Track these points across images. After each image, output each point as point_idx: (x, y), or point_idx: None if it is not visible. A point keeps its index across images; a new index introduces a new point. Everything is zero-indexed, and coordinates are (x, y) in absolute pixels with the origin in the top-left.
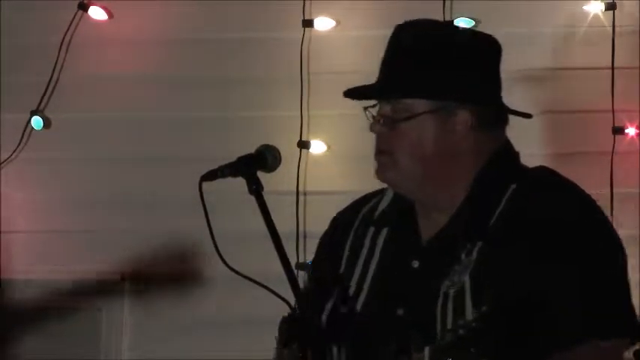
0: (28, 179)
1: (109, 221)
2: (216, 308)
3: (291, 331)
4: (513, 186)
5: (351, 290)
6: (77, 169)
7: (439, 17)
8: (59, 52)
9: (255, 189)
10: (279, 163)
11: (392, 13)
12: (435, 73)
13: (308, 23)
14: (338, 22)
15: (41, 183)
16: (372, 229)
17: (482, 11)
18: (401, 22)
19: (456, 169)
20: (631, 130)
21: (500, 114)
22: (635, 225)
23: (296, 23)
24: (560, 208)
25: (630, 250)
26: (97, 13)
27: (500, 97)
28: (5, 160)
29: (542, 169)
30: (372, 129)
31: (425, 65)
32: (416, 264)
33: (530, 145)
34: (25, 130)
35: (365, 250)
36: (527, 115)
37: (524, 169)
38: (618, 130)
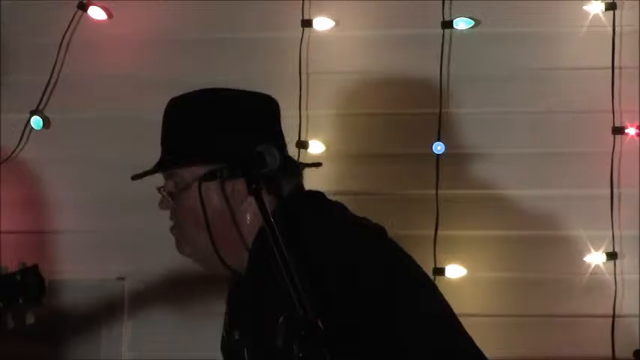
0: (28, 179)
1: (109, 221)
2: (217, 308)
3: (292, 331)
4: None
5: None
6: (77, 169)
7: (439, 17)
8: (59, 52)
9: (255, 189)
10: (278, 163)
11: (391, 14)
12: (198, 140)
13: (307, 23)
14: (337, 23)
15: (41, 183)
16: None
17: (482, 11)
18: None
19: (239, 232)
20: (631, 130)
21: (281, 168)
22: (636, 225)
23: (295, 23)
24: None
25: (630, 250)
26: (96, 13)
27: (277, 151)
28: (5, 160)
29: (315, 218)
30: (160, 206)
31: (189, 135)
32: (237, 335)
33: (530, 145)
34: (24, 130)
35: (223, 332)
36: (316, 165)
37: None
38: (618, 130)
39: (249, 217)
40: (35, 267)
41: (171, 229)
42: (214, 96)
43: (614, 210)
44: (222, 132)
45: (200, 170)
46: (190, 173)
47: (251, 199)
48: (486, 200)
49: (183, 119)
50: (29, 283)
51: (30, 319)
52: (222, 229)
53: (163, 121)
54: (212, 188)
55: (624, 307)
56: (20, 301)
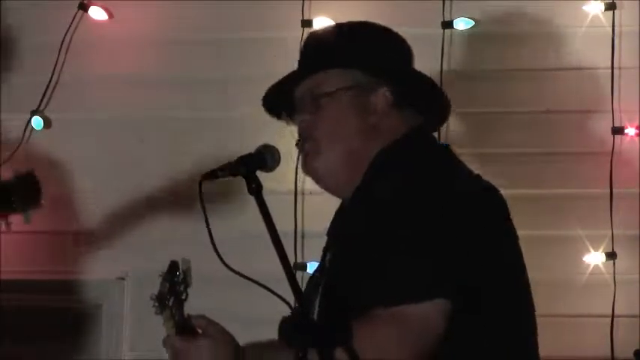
0: None
1: (109, 221)
2: (216, 308)
3: (293, 331)
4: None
5: None
6: (77, 169)
7: (439, 17)
8: (59, 52)
9: (255, 188)
10: (279, 163)
11: (391, 14)
12: (349, 46)
13: (307, 23)
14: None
15: (41, 183)
16: None
17: (482, 11)
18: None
19: (373, 150)
20: (631, 130)
21: (418, 96)
22: (635, 225)
23: (295, 23)
24: (391, 184)
25: (630, 250)
26: (97, 13)
27: (417, 79)
28: (5, 161)
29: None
30: (301, 112)
31: (339, 40)
32: (329, 256)
33: (529, 145)
34: (25, 130)
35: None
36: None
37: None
38: (618, 130)
39: (385, 135)
40: (30, 172)
41: (300, 145)
42: (344, 22)
43: (614, 210)
44: (358, 42)
45: (339, 79)
46: (335, 80)
47: (391, 117)
48: None
49: (322, 37)
50: (24, 187)
51: (27, 221)
52: (358, 147)
53: (305, 42)
54: (350, 100)
55: (623, 307)
56: (15, 205)
